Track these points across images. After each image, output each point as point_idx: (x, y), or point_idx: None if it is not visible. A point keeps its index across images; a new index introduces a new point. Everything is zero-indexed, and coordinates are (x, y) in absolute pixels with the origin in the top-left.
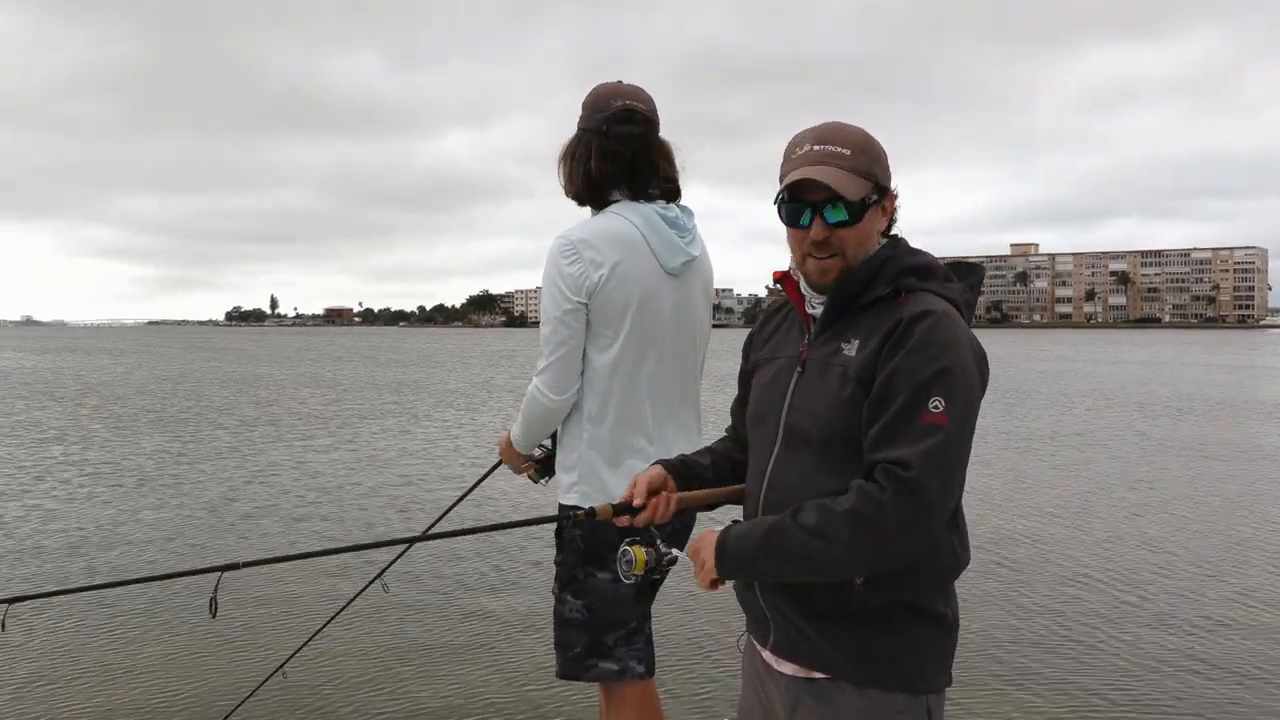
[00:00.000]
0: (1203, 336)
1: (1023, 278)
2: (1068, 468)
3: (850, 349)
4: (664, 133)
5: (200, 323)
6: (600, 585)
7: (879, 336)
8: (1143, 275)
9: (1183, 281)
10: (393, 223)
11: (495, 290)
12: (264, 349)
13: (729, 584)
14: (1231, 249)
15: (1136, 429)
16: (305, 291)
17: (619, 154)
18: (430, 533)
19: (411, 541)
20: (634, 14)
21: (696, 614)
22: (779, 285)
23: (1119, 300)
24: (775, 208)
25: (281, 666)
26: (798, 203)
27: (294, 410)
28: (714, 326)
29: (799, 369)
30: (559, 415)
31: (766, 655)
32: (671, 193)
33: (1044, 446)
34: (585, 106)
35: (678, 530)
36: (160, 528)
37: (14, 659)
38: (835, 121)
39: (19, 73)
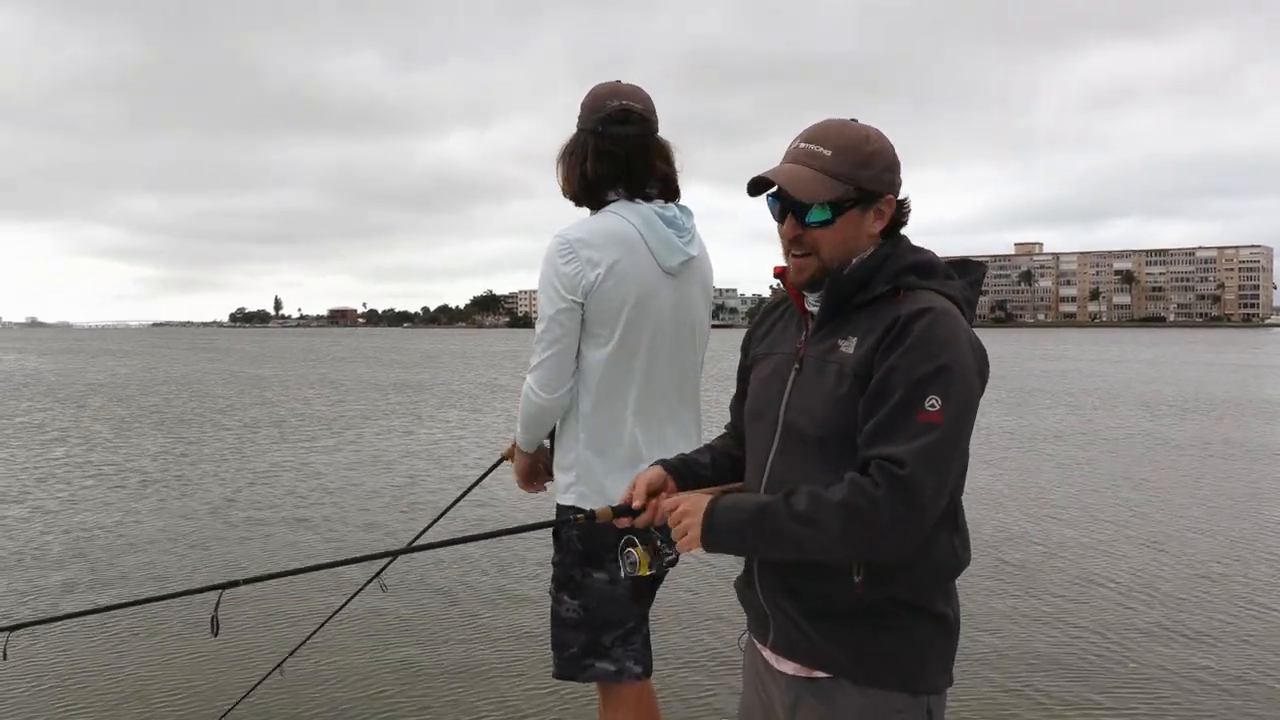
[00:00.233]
0: (1208, 335)
1: (1027, 277)
2: (1072, 467)
3: (848, 346)
4: (665, 133)
5: (204, 324)
6: (597, 585)
7: (877, 334)
8: (1147, 274)
9: (1188, 280)
10: (395, 223)
11: (499, 291)
12: (268, 350)
13: (729, 582)
14: (1237, 248)
15: (1141, 428)
16: (309, 292)
17: (615, 154)
18: (421, 544)
19: (395, 555)
20: (634, 13)
21: (695, 614)
22: (780, 280)
23: (1124, 299)
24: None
25: (279, 665)
26: (774, 199)
27: (297, 411)
28: (717, 327)
29: (796, 366)
30: (553, 413)
31: (767, 654)
32: (670, 192)
33: (1048, 446)
34: (583, 107)
35: None
36: (163, 530)
37: (9, 657)
38: (838, 121)
39: (20, 73)
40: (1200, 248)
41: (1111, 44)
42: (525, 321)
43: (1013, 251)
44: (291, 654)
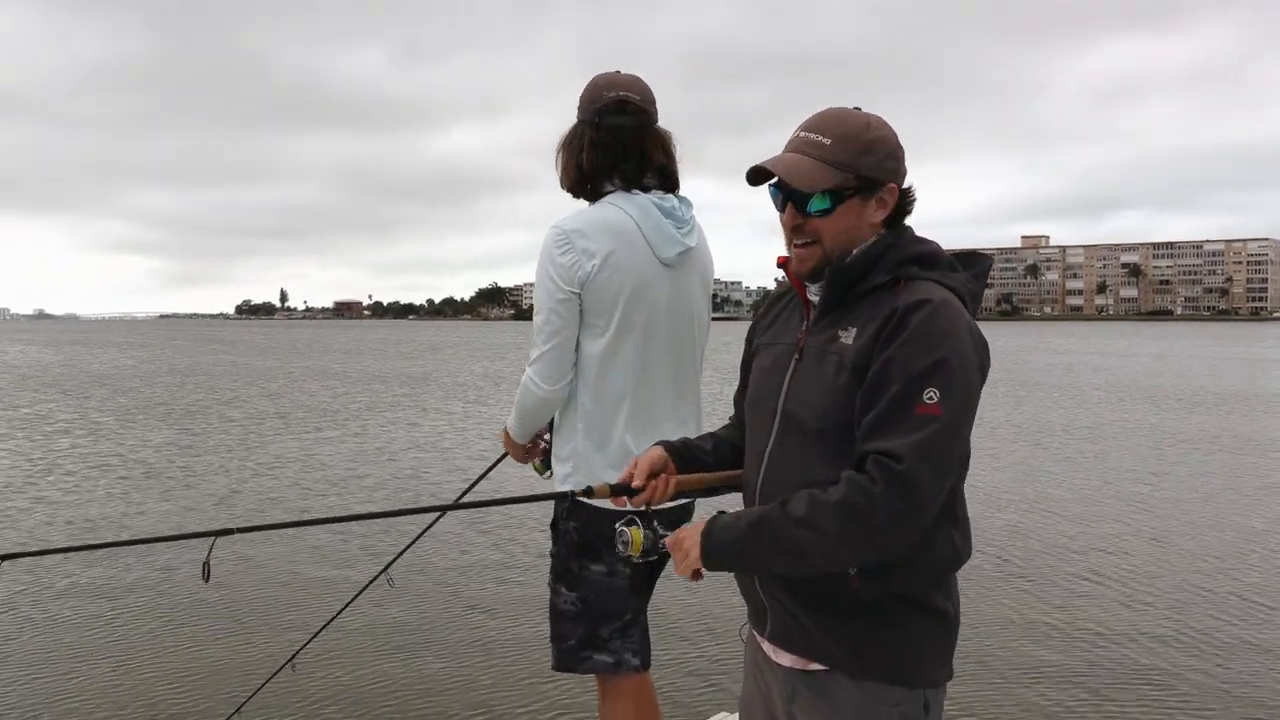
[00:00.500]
0: (1215, 329)
1: (1033, 270)
2: (1078, 460)
3: (848, 337)
4: (673, 125)
5: (211, 316)
6: (594, 577)
7: (875, 324)
8: (1154, 268)
9: (1195, 274)
10: (401, 216)
11: (504, 283)
12: (273, 342)
13: (731, 578)
14: (1244, 241)
15: (1148, 422)
16: (315, 285)
17: (610, 145)
18: (412, 508)
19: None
20: (642, 5)
21: (694, 607)
22: (783, 270)
23: (1130, 293)
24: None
25: (291, 659)
26: (776, 188)
27: (302, 403)
28: (723, 319)
29: (796, 356)
30: (552, 405)
31: (765, 646)
32: (668, 183)
33: (1054, 439)
34: (581, 98)
35: (675, 513)
36: (166, 520)
37: (21, 652)
38: (838, 109)
39: (30, 68)
40: (1208, 241)
41: (1120, 36)
42: (530, 314)
43: (1019, 244)
44: (303, 648)
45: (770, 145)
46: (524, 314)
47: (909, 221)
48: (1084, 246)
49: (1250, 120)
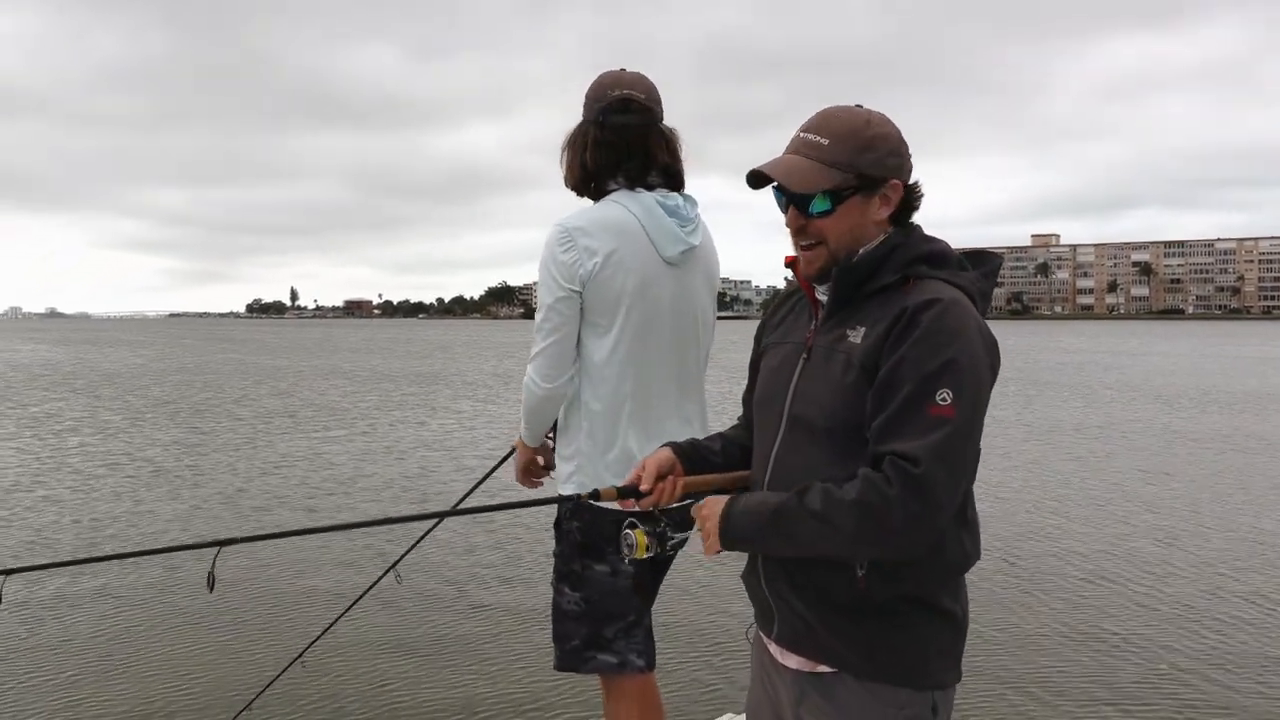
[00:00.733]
0: (1227, 328)
1: (1044, 269)
2: (1088, 460)
3: (856, 336)
4: (682, 124)
5: (221, 315)
6: (597, 577)
7: (885, 324)
8: (1166, 266)
9: (1207, 272)
10: (412, 215)
11: (514, 282)
12: (283, 341)
13: (737, 580)
14: (1256, 239)
15: (1160, 421)
16: (325, 283)
17: (614, 144)
18: (413, 514)
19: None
20: (653, 3)
21: (700, 607)
22: (791, 269)
23: (1141, 291)
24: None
25: (300, 656)
26: (778, 190)
27: (311, 401)
28: (732, 318)
29: (805, 355)
30: (554, 403)
31: (773, 648)
32: (673, 182)
33: (1065, 439)
34: (586, 97)
35: (682, 513)
36: (173, 519)
37: (24, 653)
38: (838, 107)
39: (45, 67)
40: (1219, 239)
41: (1131, 33)
42: None
43: (1029, 243)
44: (313, 644)
45: (779, 144)
46: (533, 313)
47: (919, 220)
48: (1095, 245)
49: (1263, 118)
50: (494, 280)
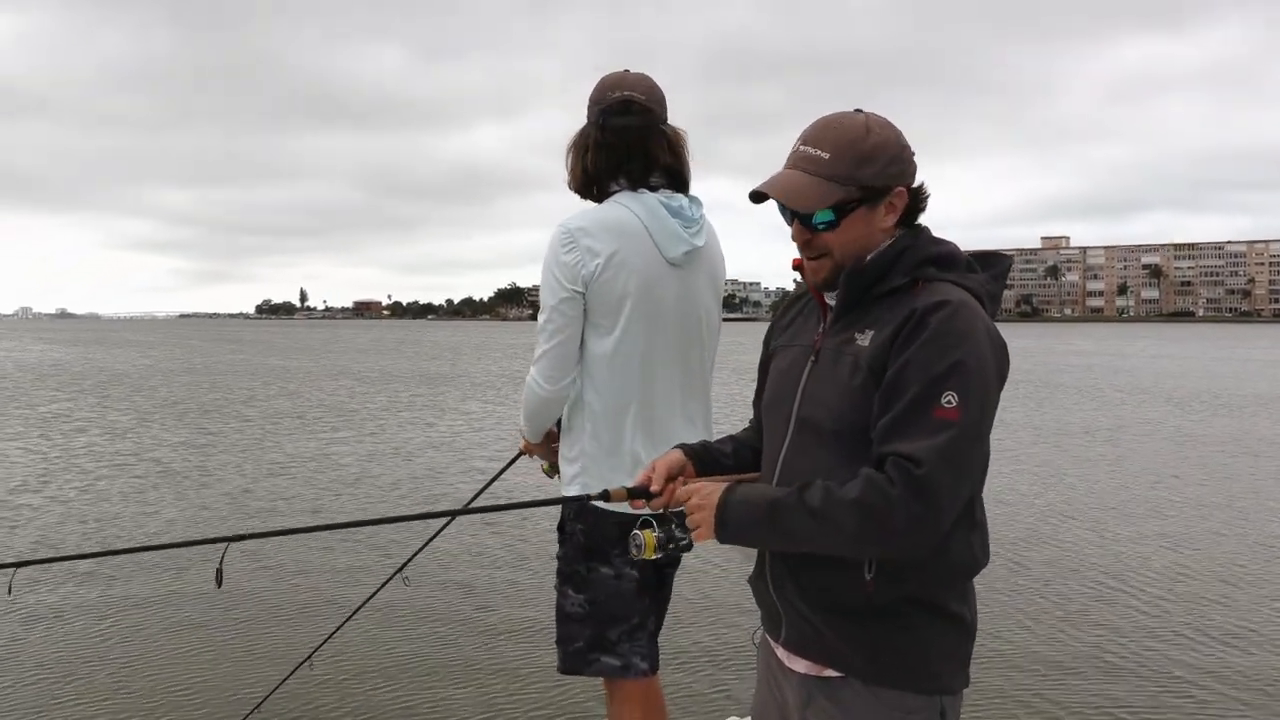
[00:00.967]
0: (1238, 331)
1: (1053, 271)
2: (1098, 463)
3: (864, 339)
4: (689, 124)
5: (230, 315)
6: (602, 579)
7: (892, 326)
8: (1176, 269)
9: (1217, 275)
10: (420, 215)
11: (523, 283)
12: (292, 341)
13: (744, 582)
14: (1267, 242)
15: (1170, 424)
16: (334, 284)
17: (615, 146)
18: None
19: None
20: (660, 3)
21: (709, 609)
22: (799, 272)
23: (1151, 294)
24: None
25: (310, 657)
26: (782, 205)
27: (320, 402)
28: (741, 320)
29: (813, 358)
30: (556, 404)
31: (780, 652)
32: (677, 183)
33: (1074, 441)
34: (589, 99)
35: None
36: (180, 520)
37: (28, 654)
38: (838, 116)
39: (54, 67)
40: (1230, 242)
41: (1142, 34)
42: None
43: (1039, 245)
44: (322, 645)
45: (785, 146)
46: None
47: (928, 222)
48: (1105, 247)
49: (1270, 120)
50: (502, 281)
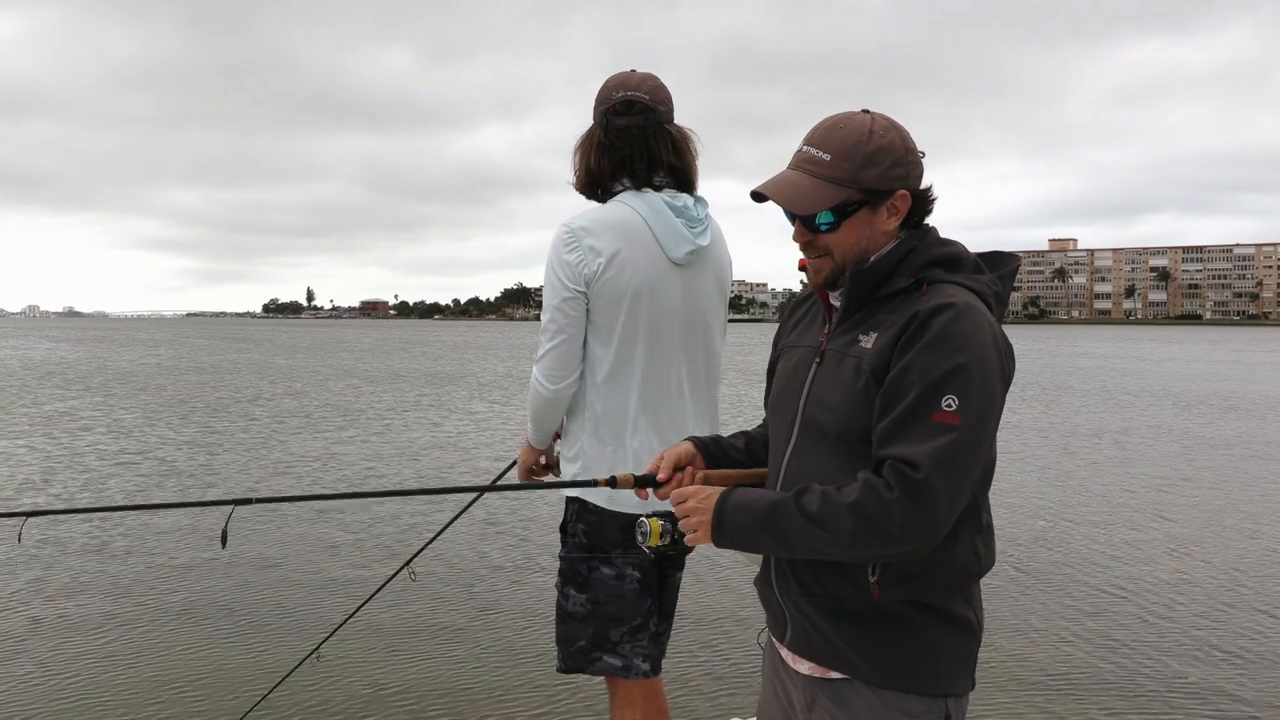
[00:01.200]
0: (1246, 333)
1: (1061, 274)
2: (1104, 465)
3: (868, 341)
4: (697, 125)
5: (238, 314)
6: (603, 579)
7: (895, 329)
8: (1184, 271)
9: (1225, 278)
10: (427, 216)
11: (529, 284)
12: (299, 340)
13: (749, 585)
14: (1275, 245)
15: (1178, 427)
16: (342, 284)
17: (617, 146)
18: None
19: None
20: (667, 4)
21: (709, 611)
22: (805, 272)
23: (1159, 296)
24: None
25: (316, 649)
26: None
27: (326, 402)
28: (749, 321)
29: (818, 360)
30: (559, 404)
31: (785, 654)
32: (682, 183)
33: (1081, 444)
34: (595, 99)
35: None
36: (183, 517)
37: (30, 654)
38: (843, 117)
39: (64, 68)
40: (1238, 244)
41: (1143, 38)
42: None
43: (1046, 247)
44: (328, 638)
45: (791, 147)
46: None
47: (935, 223)
48: (1112, 249)
49: (1278, 122)
50: (509, 281)
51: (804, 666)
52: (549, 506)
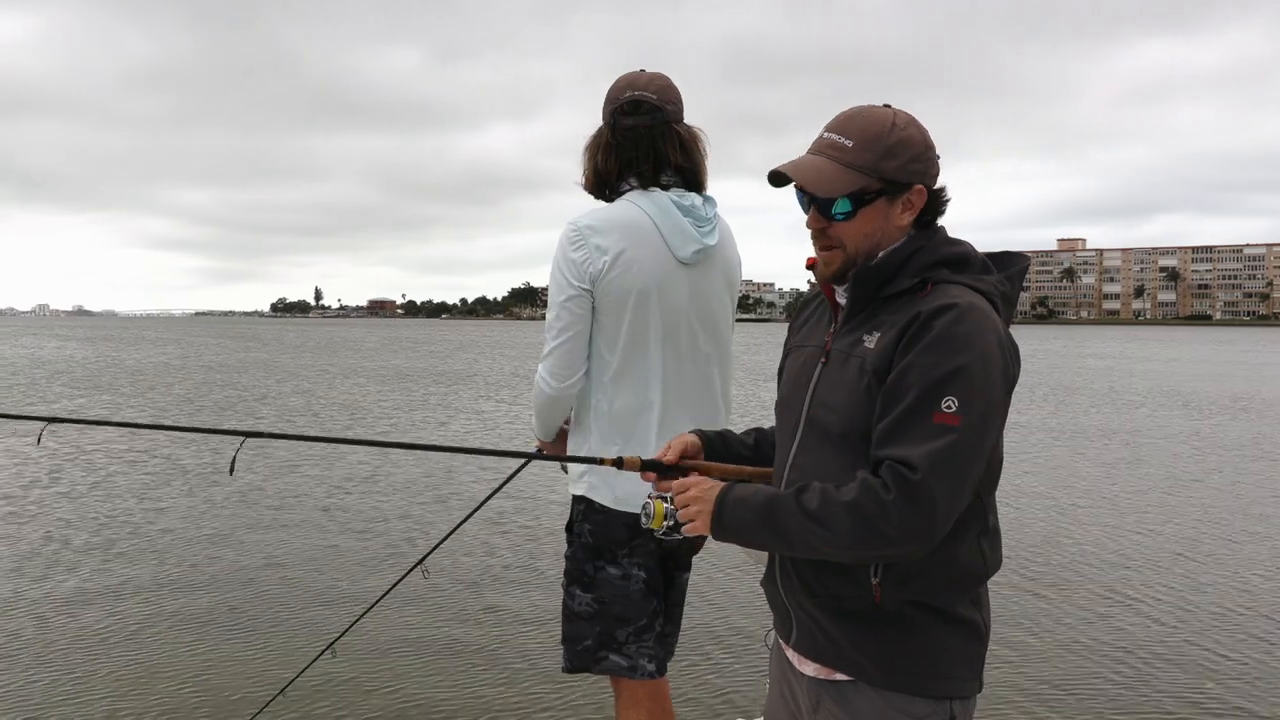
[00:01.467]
0: (1256, 334)
1: (1070, 273)
2: (1113, 467)
3: (871, 341)
4: (706, 125)
5: (246, 313)
6: (609, 579)
7: (897, 329)
8: (1193, 271)
9: (1235, 278)
10: (435, 215)
11: (537, 283)
12: (307, 339)
13: (755, 586)
14: None
15: (1188, 428)
16: (350, 283)
17: (624, 146)
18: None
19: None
20: (675, 4)
21: (715, 612)
22: (812, 271)
23: (1168, 297)
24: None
25: (330, 646)
26: (800, 191)
27: (333, 400)
28: (756, 321)
29: (823, 359)
30: (564, 403)
31: (791, 655)
32: (690, 182)
33: (1089, 445)
34: (604, 99)
35: None
36: (189, 515)
37: (32, 653)
38: (866, 108)
39: (75, 68)
40: (1248, 245)
41: (1151, 37)
42: None
43: (1055, 247)
44: (344, 634)
45: (799, 147)
46: None
47: (944, 224)
48: (1121, 250)
49: None
50: (516, 281)
51: (809, 668)
52: (556, 506)
